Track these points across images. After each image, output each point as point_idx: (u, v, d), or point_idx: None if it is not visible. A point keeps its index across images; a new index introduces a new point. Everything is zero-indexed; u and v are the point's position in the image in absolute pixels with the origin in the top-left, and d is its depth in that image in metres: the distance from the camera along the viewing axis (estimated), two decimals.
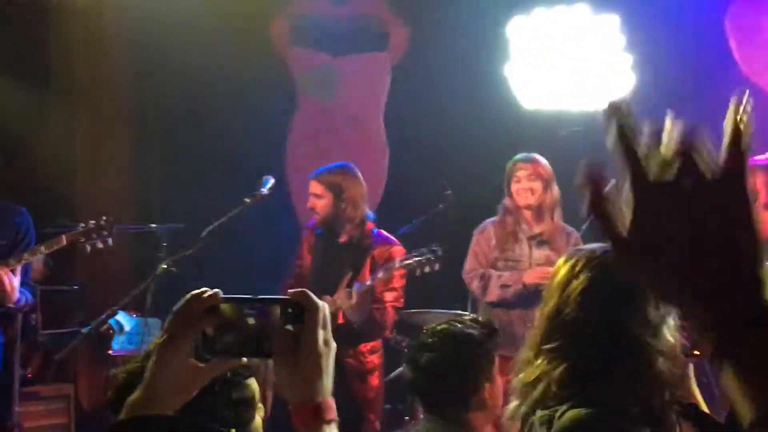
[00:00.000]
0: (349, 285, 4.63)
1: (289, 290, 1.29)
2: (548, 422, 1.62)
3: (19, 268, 4.21)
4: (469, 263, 5.01)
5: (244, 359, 1.32)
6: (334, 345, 1.27)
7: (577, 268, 1.76)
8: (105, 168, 6.79)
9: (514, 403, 1.81)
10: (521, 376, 1.75)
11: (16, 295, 4.21)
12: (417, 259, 4.60)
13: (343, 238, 4.83)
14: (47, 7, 6.36)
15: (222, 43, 6.67)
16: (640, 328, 1.66)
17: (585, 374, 1.63)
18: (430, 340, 2.61)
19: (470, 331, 2.65)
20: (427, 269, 4.62)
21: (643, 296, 1.68)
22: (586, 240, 4.93)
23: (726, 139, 0.78)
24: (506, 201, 4.95)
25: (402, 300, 4.77)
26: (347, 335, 4.47)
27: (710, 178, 0.77)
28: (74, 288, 6.24)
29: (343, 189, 4.79)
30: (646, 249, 0.78)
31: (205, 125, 6.71)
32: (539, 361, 1.71)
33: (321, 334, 1.25)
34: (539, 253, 4.86)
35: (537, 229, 4.90)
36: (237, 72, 6.72)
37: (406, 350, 5.63)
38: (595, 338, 1.66)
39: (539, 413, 1.64)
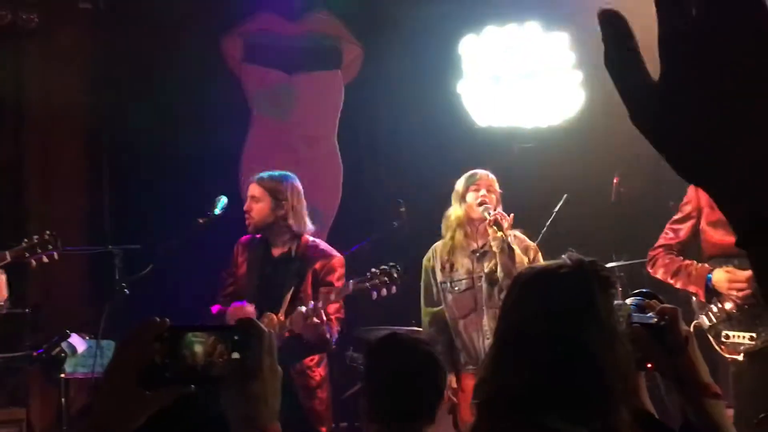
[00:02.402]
0: (293, 301, 4.55)
1: (237, 318, 1.31)
2: None
3: None
4: (422, 302, 5.02)
5: (192, 387, 1.33)
6: (279, 370, 1.30)
7: (527, 283, 1.77)
8: (56, 189, 6.71)
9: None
10: (478, 395, 1.76)
11: None
12: (372, 282, 4.49)
13: (278, 251, 4.74)
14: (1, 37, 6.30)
15: (175, 60, 6.65)
16: (593, 342, 1.66)
17: (537, 394, 1.64)
18: (389, 353, 2.64)
19: (429, 348, 2.70)
20: (384, 292, 4.51)
21: (596, 308, 1.69)
22: (547, 248, 4.98)
23: None
24: (455, 208, 4.92)
25: (343, 311, 4.67)
26: (294, 349, 4.47)
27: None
28: (26, 311, 6.16)
29: (285, 196, 4.70)
30: (677, 97, 0.69)
31: (158, 144, 6.67)
32: (492, 375, 1.72)
33: (267, 360, 1.27)
34: (480, 266, 4.86)
35: (479, 242, 4.90)
36: (191, 90, 6.70)
37: (361, 367, 5.67)
38: (546, 353, 1.66)
39: (505, 425, 1.64)
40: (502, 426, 1.63)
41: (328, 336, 4.52)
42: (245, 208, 4.72)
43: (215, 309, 4.65)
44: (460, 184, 4.95)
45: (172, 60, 6.66)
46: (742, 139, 0.67)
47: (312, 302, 4.45)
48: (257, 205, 4.68)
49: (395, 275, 4.48)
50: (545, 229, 5.26)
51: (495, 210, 4.78)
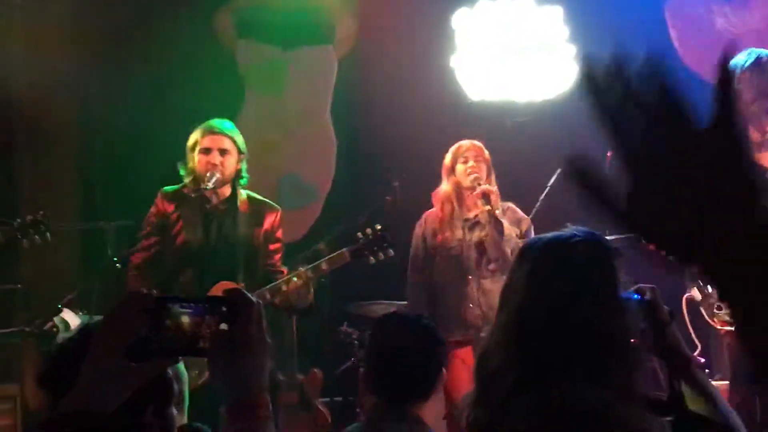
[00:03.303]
0: (247, 264, 4.34)
1: (224, 288, 1.30)
2: (534, 401, 1.62)
3: None
4: (409, 271, 5.00)
5: (179, 358, 1.33)
6: (268, 342, 1.29)
7: (538, 252, 1.78)
8: (47, 166, 6.68)
9: (471, 396, 1.81)
10: (482, 370, 1.75)
11: None
12: (368, 247, 4.39)
13: (217, 207, 4.40)
14: None
15: (168, 35, 6.61)
16: (609, 309, 1.67)
17: (557, 362, 1.64)
18: (391, 329, 2.65)
19: (425, 320, 2.72)
20: (381, 256, 4.42)
21: (611, 276, 1.71)
22: (540, 222, 4.98)
23: (715, 84, 0.77)
24: (444, 183, 4.93)
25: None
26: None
27: (701, 128, 0.76)
28: (18, 287, 6.15)
29: (244, 149, 4.46)
30: (648, 213, 0.77)
31: (149, 120, 6.63)
32: (505, 346, 1.71)
33: (255, 331, 1.26)
34: (472, 234, 4.87)
35: (471, 213, 4.90)
36: (182, 64, 6.66)
37: (355, 342, 5.68)
38: (563, 322, 1.67)
39: (520, 395, 1.64)
40: (522, 397, 1.63)
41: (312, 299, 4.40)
42: (210, 161, 4.32)
43: None
44: (448, 158, 4.95)
45: (164, 35, 6.61)
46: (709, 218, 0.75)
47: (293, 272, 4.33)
48: (227, 159, 4.37)
49: (388, 237, 4.41)
50: (539, 203, 5.25)
51: (486, 179, 4.79)
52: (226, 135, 4.38)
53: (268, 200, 4.57)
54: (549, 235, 1.81)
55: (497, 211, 4.74)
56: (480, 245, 4.81)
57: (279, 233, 4.51)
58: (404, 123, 6.44)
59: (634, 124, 0.77)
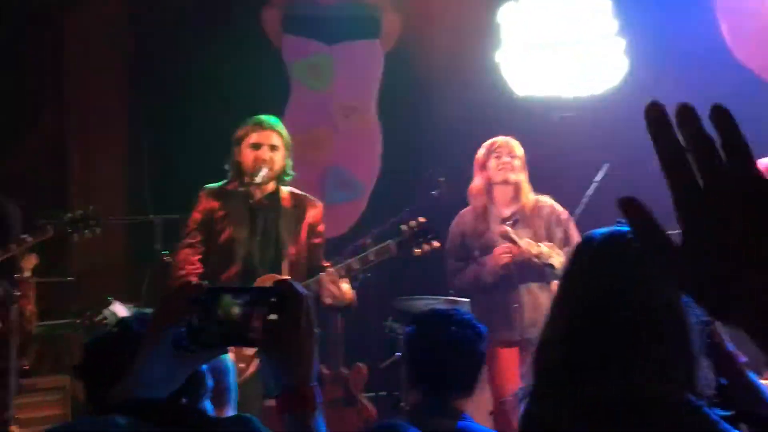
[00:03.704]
0: (291, 259, 4.36)
1: (274, 280, 1.31)
2: (582, 395, 1.62)
3: None
4: (448, 262, 4.99)
5: (229, 348, 1.34)
6: (316, 333, 1.30)
7: (604, 252, 1.77)
8: (98, 159, 6.78)
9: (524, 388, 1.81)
10: (539, 365, 1.75)
11: None
12: (413, 239, 4.35)
13: (261, 202, 4.38)
14: (39, 13, 6.35)
15: (215, 32, 6.67)
16: (673, 304, 1.67)
17: (603, 365, 1.64)
18: (432, 324, 2.66)
19: (465, 314, 2.71)
20: (426, 248, 4.38)
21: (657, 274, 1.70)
22: (588, 218, 4.94)
23: (722, 138, 0.76)
24: (476, 179, 4.91)
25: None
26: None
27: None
28: (69, 279, 6.25)
29: (292, 144, 4.46)
30: (694, 256, 0.76)
31: (198, 115, 6.70)
32: (560, 340, 1.72)
33: (304, 322, 1.27)
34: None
35: (507, 211, 4.87)
36: (230, 60, 6.71)
37: (400, 337, 5.68)
38: (609, 324, 1.67)
39: (572, 388, 1.65)
40: (581, 390, 1.63)
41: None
42: (260, 156, 4.33)
43: None
44: (480, 152, 4.93)
45: (212, 31, 6.67)
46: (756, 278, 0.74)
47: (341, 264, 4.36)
48: (276, 155, 4.37)
49: (433, 229, 4.38)
50: (586, 199, 5.21)
51: (522, 173, 4.77)
52: (275, 131, 4.40)
53: (309, 195, 4.59)
54: (604, 230, 1.81)
55: (523, 243, 4.70)
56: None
57: (321, 227, 4.52)
58: (450, 118, 6.42)
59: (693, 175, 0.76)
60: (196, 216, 4.45)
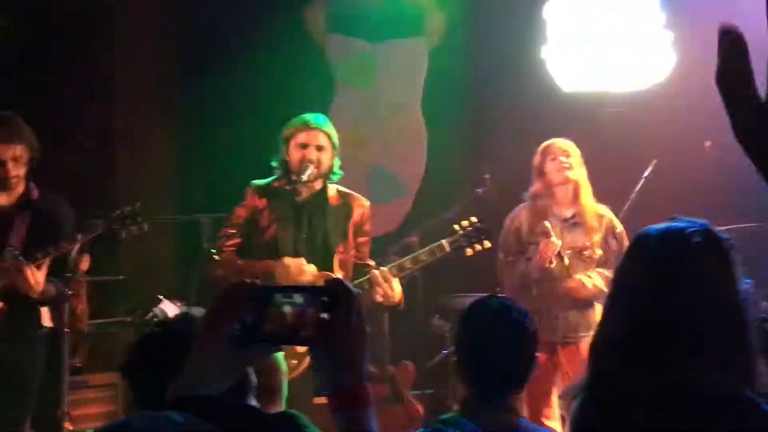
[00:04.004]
0: (339, 257, 4.37)
1: (325, 278, 1.32)
2: (661, 388, 1.63)
3: (46, 261, 4.29)
4: (499, 253, 4.96)
5: (282, 347, 1.35)
6: (368, 331, 1.30)
7: (663, 247, 1.77)
8: (146, 160, 6.87)
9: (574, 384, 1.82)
10: (596, 361, 1.75)
11: (40, 287, 4.29)
12: (467, 238, 4.35)
13: (308, 200, 4.36)
14: (89, 12, 6.44)
15: (260, 31, 6.72)
16: (733, 296, 1.68)
17: (664, 361, 1.65)
18: (484, 317, 2.64)
19: (527, 316, 2.69)
20: (477, 247, 4.38)
21: (731, 265, 1.71)
22: (626, 218, 4.90)
23: None
24: (536, 184, 4.90)
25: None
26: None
27: None
28: (120, 278, 6.34)
29: (339, 143, 4.43)
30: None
31: (244, 114, 6.76)
32: (622, 336, 1.72)
33: (355, 321, 1.28)
34: (571, 237, 4.81)
35: (568, 212, 4.85)
36: (275, 59, 6.76)
37: (447, 334, 5.67)
38: (670, 320, 1.67)
39: (645, 381, 1.66)
40: (642, 385, 1.63)
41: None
42: (308, 157, 4.31)
43: None
44: (536, 158, 4.91)
45: (257, 31, 6.72)
46: None
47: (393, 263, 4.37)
48: (324, 155, 4.36)
49: (485, 229, 4.38)
50: (634, 195, 5.16)
51: (579, 174, 4.75)
52: (322, 131, 4.39)
53: (356, 194, 4.60)
54: (661, 226, 1.80)
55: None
56: (581, 252, 4.75)
57: (367, 226, 4.52)
58: (495, 115, 6.40)
59: None
60: (241, 212, 4.47)
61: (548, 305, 4.70)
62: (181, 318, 2.00)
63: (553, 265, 4.66)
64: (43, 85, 6.21)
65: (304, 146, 4.35)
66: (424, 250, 4.39)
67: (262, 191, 4.46)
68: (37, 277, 4.25)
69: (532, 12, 6.25)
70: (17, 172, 4.38)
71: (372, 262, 4.44)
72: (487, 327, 2.62)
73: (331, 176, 4.46)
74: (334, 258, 4.38)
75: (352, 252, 4.43)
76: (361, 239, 4.47)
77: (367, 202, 4.54)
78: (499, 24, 6.41)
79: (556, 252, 4.65)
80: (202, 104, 6.91)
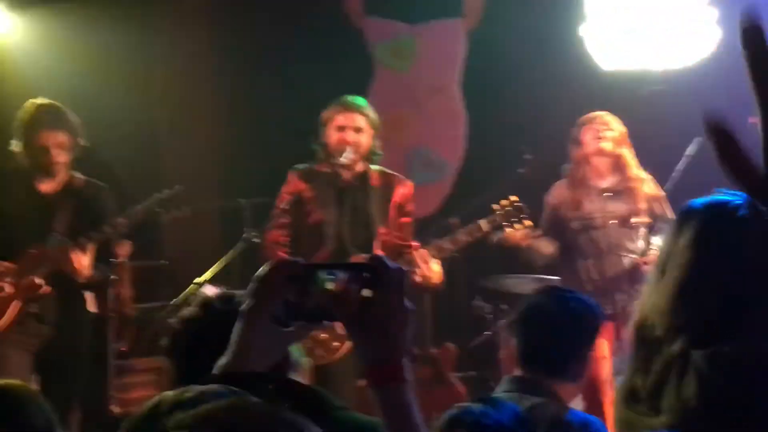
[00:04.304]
0: (380, 236, 4.38)
1: (365, 255, 1.32)
2: (719, 359, 1.63)
3: (91, 246, 4.35)
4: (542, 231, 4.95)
5: (324, 324, 1.36)
6: (409, 308, 1.30)
7: (709, 220, 1.76)
8: (187, 147, 6.92)
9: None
10: (642, 339, 1.75)
11: (86, 272, 4.36)
12: (504, 217, 4.39)
13: (350, 182, 4.41)
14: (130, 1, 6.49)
15: (298, 16, 6.72)
16: None
17: (740, 314, 1.65)
18: (547, 301, 2.63)
19: (588, 304, 2.66)
20: (518, 227, 4.44)
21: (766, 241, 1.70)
22: (677, 193, 4.85)
23: None
24: (575, 153, 4.87)
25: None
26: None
27: None
28: (163, 263, 6.41)
29: (378, 125, 4.46)
30: None
31: (284, 100, 6.77)
32: (671, 311, 1.71)
33: (396, 298, 1.28)
34: (612, 206, 4.79)
35: (606, 182, 4.82)
36: (313, 43, 6.76)
37: (489, 316, 5.66)
38: (719, 293, 1.66)
39: (698, 353, 1.65)
40: (693, 359, 1.63)
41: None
42: (348, 139, 4.35)
43: None
44: (574, 130, 4.90)
45: (295, 15, 6.73)
46: None
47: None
48: (362, 137, 4.40)
49: (525, 209, 4.40)
50: (676, 173, 5.09)
51: (619, 146, 4.73)
52: (359, 113, 4.42)
53: (398, 174, 4.59)
54: (706, 198, 1.78)
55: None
56: (625, 220, 4.73)
57: (409, 206, 4.53)
58: (534, 95, 6.35)
59: None
60: (285, 197, 4.51)
61: (603, 282, 4.70)
62: (221, 297, 2.01)
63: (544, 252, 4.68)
64: (86, 73, 6.28)
65: (342, 128, 4.38)
66: (462, 230, 4.39)
67: (304, 175, 4.49)
68: (82, 261, 4.32)
69: None
70: (61, 158, 4.45)
71: (416, 244, 4.44)
72: (554, 314, 2.59)
73: (373, 157, 4.46)
74: (376, 239, 4.38)
75: (394, 233, 4.44)
76: (404, 220, 4.47)
77: (409, 183, 4.55)
78: (538, 2, 6.34)
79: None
80: (242, 89, 6.94)
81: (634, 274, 4.67)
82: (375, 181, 4.46)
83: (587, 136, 4.83)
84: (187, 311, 2.09)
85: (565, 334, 2.55)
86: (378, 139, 4.47)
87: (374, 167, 4.50)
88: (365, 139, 4.40)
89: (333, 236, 4.37)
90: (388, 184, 4.47)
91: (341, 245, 4.36)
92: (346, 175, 4.40)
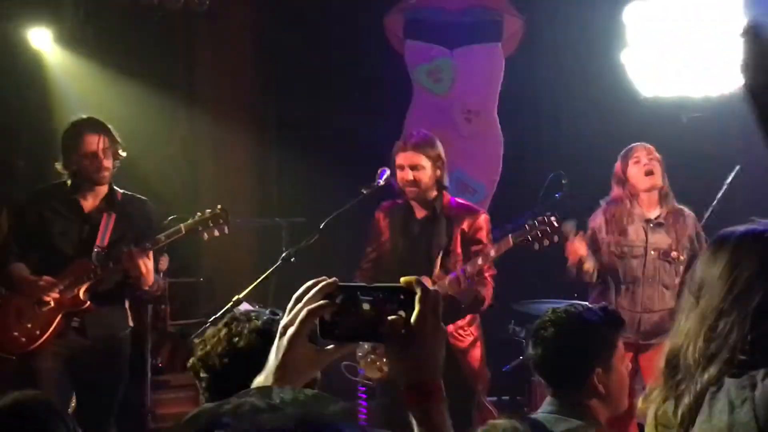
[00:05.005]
0: (443, 263, 4.53)
1: (402, 278, 1.34)
2: (751, 386, 1.64)
3: (151, 253, 4.39)
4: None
5: (360, 343, 1.38)
6: (444, 329, 1.32)
7: (744, 249, 1.77)
8: (227, 165, 7.00)
9: (656, 385, 1.82)
10: (685, 357, 1.75)
11: (152, 278, 4.40)
12: (532, 233, 4.39)
13: (422, 212, 4.67)
14: (173, 12, 6.58)
15: (340, 39, 6.79)
16: None
17: (749, 363, 1.65)
18: (553, 316, 2.64)
19: (592, 314, 2.66)
20: (546, 242, 4.41)
21: None
22: (709, 224, 4.82)
23: None
24: (616, 189, 4.87)
25: (494, 269, 4.64)
26: (447, 311, 4.48)
27: None
28: (200, 280, 6.47)
29: (440, 156, 4.64)
30: None
31: (322, 120, 6.84)
32: (706, 337, 1.72)
33: (431, 319, 1.30)
34: (655, 237, 4.77)
35: (653, 213, 4.81)
36: (353, 66, 6.82)
37: (522, 340, 5.64)
38: (752, 322, 1.69)
39: (731, 381, 1.66)
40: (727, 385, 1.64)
41: (480, 293, 4.53)
42: (409, 178, 4.59)
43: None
44: (617, 165, 4.88)
45: (337, 38, 6.79)
46: None
47: (463, 266, 4.45)
48: (423, 174, 4.58)
49: (555, 223, 4.40)
50: (716, 201, 5.06)
51: (661, 178, 4.71)
52: (416, 151, 4.59)
53: (470, 205, 4.78)
54: (742, 228, 1.79)
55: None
56: (667, 253, 4.71)
57: (480, 235, 4.60)
58: (574, 120, 6.35)
59: None
60: (371, 228, 4.85)
61: (633, 305, 4.68)
62: (268, 316, 2.04)
63: (585, 267, 4.66)
64: (127, 92, 6.38)
65: (401, 168, 4.60)
66: (493, 245, 4.44)
67: (383, 209, 4.84)
68: (149, 266, 4.35)
69: (612, 16, 6.18)
70: (108, 163, 4.50)
71: (491, 271, 4.57)
72: (546, 335, 2.61)
73: (440, 188, 4.64)
74: (436, 267, 4.53)
75: (458, 261, 4.50)
76: (474, 248, 4.52)
77: (480, 212, 4.70)
78: (578, 28, 6.35)
79: (580, 255, 4.64)
80: (283, 109, 7.02)
81: (661, 302, 4.66)
82: (445, 210, 4.64)
83: (632, 171, 4.81)
84: (223, 325, 2.13)
85: (572, 342, 2.56)
86: (442, 169, 4.63)
87: (448, 196, 4.69)
88: (425, 175, 4.57)
89: (395, 265, 4.62)
90: (456, 214, 4.64)
91: (403, 273, 4.41)
92: (416, 207, 4.65)
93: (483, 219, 4.64)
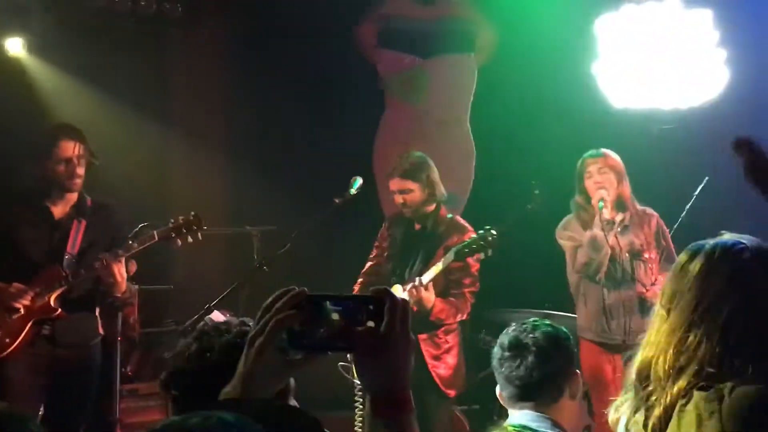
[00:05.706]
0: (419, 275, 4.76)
1: (371, 288, 1.34)
2: (718, 399, 1.65)
3: (124, 260, 4.36)
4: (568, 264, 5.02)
5: (329, 353, 1.37)
6: (413, 339, 1.32)
7: (714, 262, 1.79)
8: (198, 172, 6.96)
9: (626, 396, 1.83)
10: (655, 369, 1.77)
11: (125, 284, 4.37)
12: (470, 246, 4.63)
13: (419, 225, 5.00)
14: (145, 19, 6.55)
15: (311, 47, 6.78)
16: None
17: (742, 354, 1.67)
18: (531, 340, 2.67)
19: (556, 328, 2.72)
20: (482, 256, 4.68)
21: None
22: (677, 236, 4.87)
23: None
24: (577, 198, 4.95)
25: (477, 284, 4.89)
26: (422, 323, 4.60)
27: None
28: (171, 288, 6.42)
29: (429, 177, 4.94)
30: None
31: (294, 129, 6.83)
32: (675, 349, 1.73)
33: (400, 329, 1.30)
34: (625, 240, 4.84)
35: (618, 217, 4.88)
36: (325, 75, 6.82)
37: (493, 349, 5.65)
38: (749, 321, 1.69)
39: (699, 393, 1.67)
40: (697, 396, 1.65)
41: (456, 305, 4.79)
42: (398, 201, 4.93)
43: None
44: (578, 169, 4.97)
45: (309, 47, 6.79)
46: None
47: (418, 278, 4.66)
48: (411, 196, 4.90)
49: (490, 239, 4.58)
50: (684, 212, 5.11)
51: (615, 189, 4.79)
52: (402, 178, 4.91)
53: (462, 223, 4.99)
54: (711, 241, 1.81)
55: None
56: (637, 254, 4.79)
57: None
58: (545, 131, 6.38)
59: None
60: (377, 239, 5.21)
61: (618, 307, 4.77)
62: (239, 328, 2.03)
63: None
64: (98, 98, 6.34)
65: (393, 192, 4.98)
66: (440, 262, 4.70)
67: (388, 220, 5.29)
68: (123, 273, 4.32)
69: (583, 27, 6.23)
70: (81, 171, 4.47)
71: (472, 287, 4.86)
72: (507, 348, 2.66)
73: (437, 201, 4.95)
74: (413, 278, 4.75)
75: (440, 274, 4.73)
76: (455, 264, 4.64)
77: (467, 230, 4.89)
78: (550, 40, 6.39)
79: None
80: (255, 119, 6.99)
81: (642, 305, 4.73)
82: (437, 225, 4.95)
83: (589, 182, 4.89)
84: (180, 344, 2.10)
85: (553, 363, 2.60)
86: (432, 186, 4.93)
87: (445, 211, 5.00)
88: (415, 197, 4.90)
89: (386, 275, 4.95)
90: (445, 229, 4.93)
91: (394, 282, 4.84)
92: (419, 221, 4.99)
93: (468, 237, 4.78)
